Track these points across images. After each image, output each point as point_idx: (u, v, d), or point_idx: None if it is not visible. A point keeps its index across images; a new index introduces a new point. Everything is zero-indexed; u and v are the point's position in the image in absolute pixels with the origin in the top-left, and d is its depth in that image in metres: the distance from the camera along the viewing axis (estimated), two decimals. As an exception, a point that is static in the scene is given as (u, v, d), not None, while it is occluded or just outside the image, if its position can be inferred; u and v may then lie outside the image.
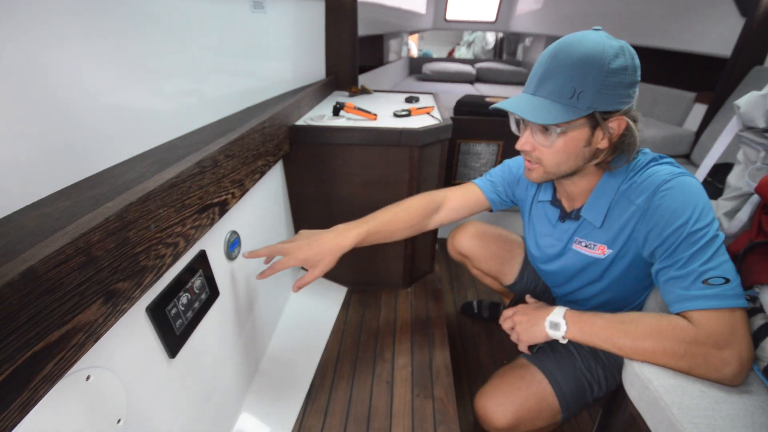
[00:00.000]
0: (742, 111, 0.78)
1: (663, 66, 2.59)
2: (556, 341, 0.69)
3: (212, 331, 0.75)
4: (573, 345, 0.85)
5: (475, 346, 1.43)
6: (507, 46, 6.47)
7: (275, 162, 1.02)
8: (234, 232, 0.82)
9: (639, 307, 0.81)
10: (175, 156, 0.68)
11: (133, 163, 0.66)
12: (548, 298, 1.03)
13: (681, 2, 2.44)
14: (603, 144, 0.65)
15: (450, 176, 1.99)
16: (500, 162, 1.05)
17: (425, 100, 1.56)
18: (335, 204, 1.21)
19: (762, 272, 0.62)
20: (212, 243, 0.75)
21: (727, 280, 0.56)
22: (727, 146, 0.88)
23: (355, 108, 1.23)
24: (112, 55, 0.64)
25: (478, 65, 5.03)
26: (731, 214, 0.80)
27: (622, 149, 0.66)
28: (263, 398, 0.92)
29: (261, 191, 1.00)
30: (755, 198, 0.74)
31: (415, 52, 7.05)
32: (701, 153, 2.05)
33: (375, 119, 1.22)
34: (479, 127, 1.87)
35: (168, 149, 0.74)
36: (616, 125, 0.63)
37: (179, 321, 0.63)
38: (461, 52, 7.71)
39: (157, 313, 0.57)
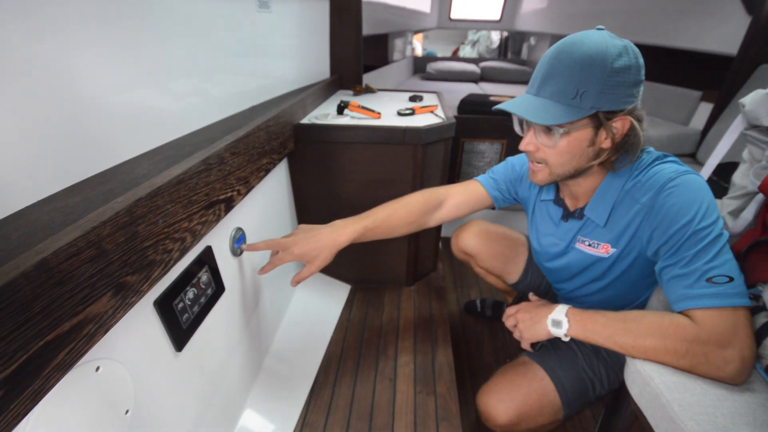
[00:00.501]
0: (747, 109, 0.78)
1: (669, 64, 2.57)
2: (558, 339, 0.69)
3: (218, 325, 0.76)
4: (575, 343, 0.85)
5: (478, 344, 1.43)
6: (512, 45, 6.44)
7: (280, 160, 1.03)
8: (239, 229, 0.83)
9: (641, 306, 0.81)
10: (182, 153, 0.69)
11: (142, 160, 0.68)
12: (552, 296, 1.03)
13: (687, 0, 2.42)
14: (606, 144, 0.65)
15: (453, 175, 2.00)
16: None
17: (429, 99, 1.56)
18: (339, 202, 1.22)
19: (765, 270, 0.62)
20: (218, 239, 0.76)
21: (731, 279, 0.56)
22: (732, 145, 0.87)
23: (359, 107, 1.24)
24: (122, 56, 0.65)
25: (483, 64, 5.01)
26: (736, 213, 0.80)
27: (626, 149, 0.66)
28: (267, 394, 0.93)
29: (266, 189, 1.01)
30: (760, 197, 0.73)
31: (419, 51, 7.04)
32: (707, 152, 2.04)
33: (379, 118, 1.22)
34: (483, 125, 1.86)
35: (175, 147, 0.75)
36: (619, 125, 0.63)
37: (186, 315, 0.64)
38: (466, 51, 7.68)
39: (165, 307, 0.59)
